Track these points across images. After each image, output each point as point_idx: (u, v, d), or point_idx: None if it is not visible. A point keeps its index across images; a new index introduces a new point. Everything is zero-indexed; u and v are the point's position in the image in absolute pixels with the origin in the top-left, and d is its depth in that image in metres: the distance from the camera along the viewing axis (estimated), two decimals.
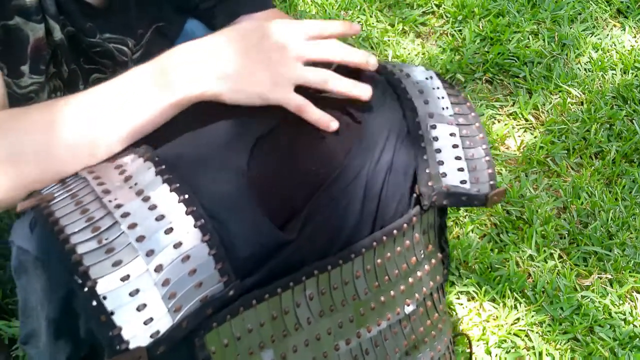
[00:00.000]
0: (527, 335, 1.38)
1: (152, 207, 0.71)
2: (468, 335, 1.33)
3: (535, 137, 1.76)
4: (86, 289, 0.65)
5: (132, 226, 0.69)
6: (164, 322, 0.68)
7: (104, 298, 0.66)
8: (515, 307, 1.41)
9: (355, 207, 0.82)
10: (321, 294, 0.82)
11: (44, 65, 0.89)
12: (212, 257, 0.71)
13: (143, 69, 0.78)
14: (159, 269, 0.68)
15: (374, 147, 0.83)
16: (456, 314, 1.39)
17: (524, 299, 1.42)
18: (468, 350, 1.33)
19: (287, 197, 0.79)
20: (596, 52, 2.02)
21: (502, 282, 1.43)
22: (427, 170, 0.87)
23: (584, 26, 2.08)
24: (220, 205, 0.74)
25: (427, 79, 0.92)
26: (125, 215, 0.69)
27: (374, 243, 0.84)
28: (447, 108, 0.91)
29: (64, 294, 0.73)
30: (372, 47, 1.90)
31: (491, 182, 0.91)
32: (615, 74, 1.96)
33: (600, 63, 1.97)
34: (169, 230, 0.70)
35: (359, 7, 1.99)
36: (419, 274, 0.92)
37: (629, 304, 1.47)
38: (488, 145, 0.92)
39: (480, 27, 2.00)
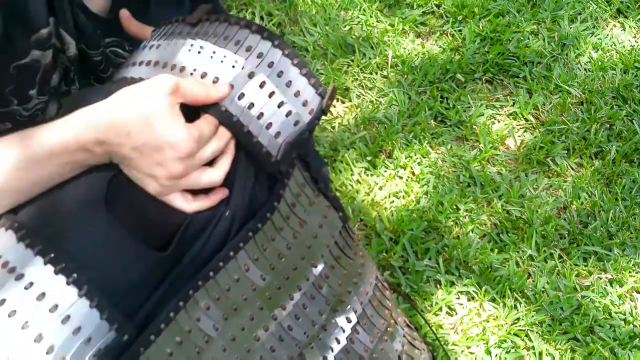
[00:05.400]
0: (527, 335, 1.38)
1: (19, 277, 0.68)
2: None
3: (535, 137, 1.76)
4: None
5: (1, 302, 0.66)
6: None
7: None
8: (515, 307, 1.41)
9: (238, 210, 0.80)
10: (216, 300, 0.79)
11: (49, 85, 0.89)
12: (96, 309, 0.69)
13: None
14: (38, 339, 0.66)
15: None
16: (456, 313, 1.39)
17: (524, 299, 1.42)
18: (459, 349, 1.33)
19: (164, 218, 0.77)
20: (596, 52, 2.02)
21: (502, 282, 1.43)
22: (264, 150, 0.80)
23: (584, 26, 2.08)
24: (91, 252, 0.71)
25: (198, 52, 0.82)
26: None
27: (250, 233, 0.81)
28: (236, 63, 0.80)
29: None
30: (372, 47, 1.90)
31: (318, 92, 0.83)
32: (615, 74, 1.96)
33: (600, 63, 1.97)
34: (40, 297, 0.67)
35: (359, 7, 1.99)
36: (313, 233, 0.88)
37: (629, 304, 1.47)
38: (297, 57, 0.82)
39: (480, 27, 2.00)
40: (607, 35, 2.07)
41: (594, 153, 1.75)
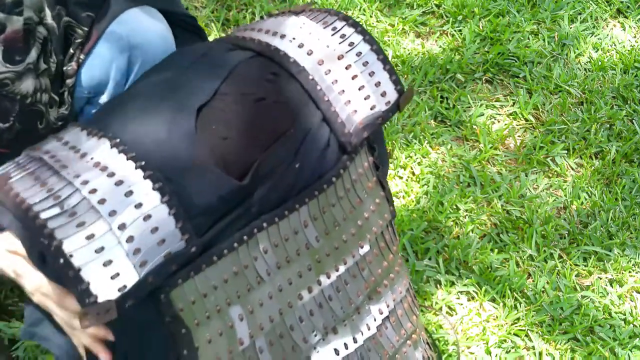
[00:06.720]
0: (527, 335, 1.38)
1: (111, 175, 0.75)
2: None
3: (535, 137, 1.76)
4: (52, 249, 0.70)
5: (93, 191, 0.73)
6: (130, 277, 0.72)
7: (71, 256, 0.70)
8: (515, 307, 1.41)
9: (306, 165, 0.87)
10: (274, 246, 0.86)
11: (20, 57, 0.93)
12: (173, 217, 0.76)
13: None
14: (122, 227, 0.73)
15: (304, 115, 0.89)
16: (456, 313, 1.39)
17: (524, 299, 1.42)
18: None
19: (243, 154, 0.84)
20: (596, 52, 2.02)
21: (502, 282, 1.43)
22: (339, 120, 0.90)
23: (584, 26, 2.08)
24: (175, 167, 0.78)
25: (300, 27, 0.94)
26: (85, 182, 0.74)
27: (316, 192, 0.88)
28: (330, 44, 0.93)
29: (37, 256, 0.77)
30: None
31: (397, 88, 0.95)
32: (615, 74, 1.96)
33: (600, 63, 1.97)
34: (129, 193, 0.74)
35: (359, 7, 1.99)
36: (365, 214, 0.96)
37: (629, 304, 1.47)
38: (383, 53, 0.94)
39: (480, 27, 2.00)
40: (607, 35, 2.07)
41: (594, 153, 1.75)
